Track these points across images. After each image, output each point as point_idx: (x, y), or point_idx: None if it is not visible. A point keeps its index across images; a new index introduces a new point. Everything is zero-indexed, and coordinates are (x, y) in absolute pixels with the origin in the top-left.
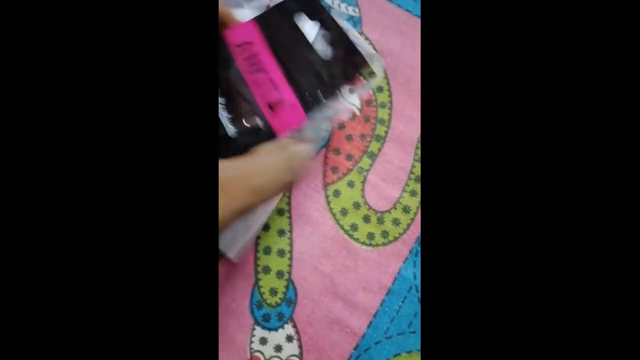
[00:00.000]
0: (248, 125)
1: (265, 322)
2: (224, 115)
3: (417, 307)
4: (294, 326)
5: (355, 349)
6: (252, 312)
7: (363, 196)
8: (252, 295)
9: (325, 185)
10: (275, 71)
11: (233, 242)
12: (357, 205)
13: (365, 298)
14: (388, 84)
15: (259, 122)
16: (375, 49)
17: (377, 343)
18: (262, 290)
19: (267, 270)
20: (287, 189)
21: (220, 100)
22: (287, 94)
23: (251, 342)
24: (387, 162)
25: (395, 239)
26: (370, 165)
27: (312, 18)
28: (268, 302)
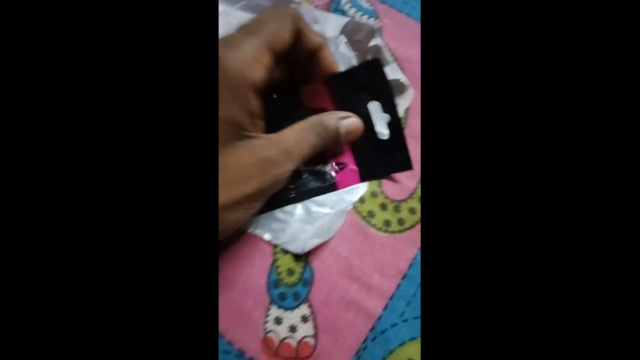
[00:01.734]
0: (317, 169)
1: (281, 300)
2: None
3: None
4: (310, 306)
5: (371, 330)
6: (268, 290)
7: (380, 186)
8: (270, 274)
9: None
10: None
11: (297, 238)
12: (374, 195)
13: (381, 281)
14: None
15: (327, 172)
16: (396, 59)
17: (393, 325)
18: (280, 270)
19: (285, 250)
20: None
21: None
22: (350, 161)
23: (265, 321)
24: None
25: (412, 226)
26: None
27: (377, 98)
28: (285, 281)
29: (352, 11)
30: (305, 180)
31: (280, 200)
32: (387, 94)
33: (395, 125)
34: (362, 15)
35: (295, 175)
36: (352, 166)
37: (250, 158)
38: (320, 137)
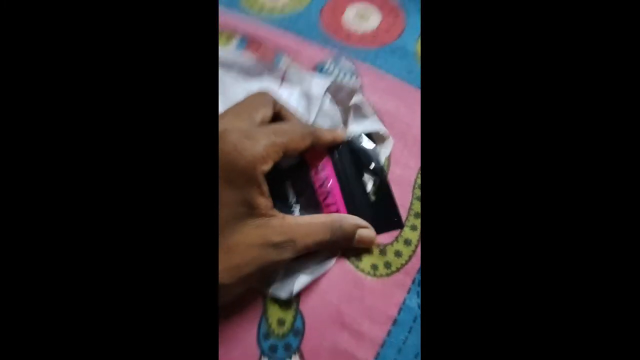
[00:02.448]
0: None
1: (272, 352)
2: (296, 208)
3: None
4: (301, 357)
5: None
6: (259, 342)
7: None
8: (260, 325)
9: None
10: (340, 202)
11: (284, 283)
12: None
13: (371, 328)
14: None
15: None
16: (376, 112)
17: None
18: (270, 320)
19: (275, 300)
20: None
21: (295, 199)
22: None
23: None
24: None
25: (398, 269)
26: None
27: (369, 165)
28: (276, 332)
29: (335, 72)
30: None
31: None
32: (375, 160)
33: (383, 188)
34: (344, 74)
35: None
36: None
37: (258, 239)
38: (333, 236)
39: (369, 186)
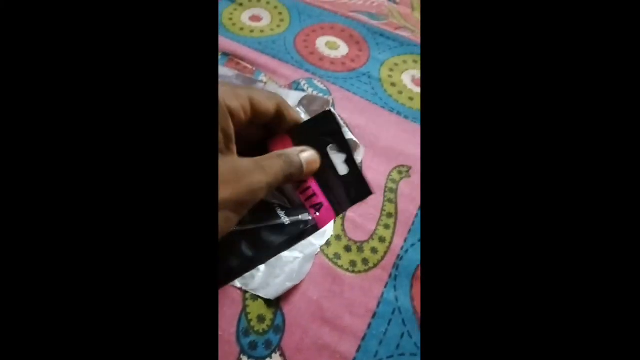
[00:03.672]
0: (300, 217)
1: (252, 350)
2: (280, 211)
3: (403, 329)
4: (282, 355)
5: None
6: (238, 339)
7: (343, 230)
8: (239, 321)
9: None
10: (314, 185)
11: (267, 284)
12: (338, 238)
13: (352, 321)
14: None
15: (308, 217)
16: (347, 125)
17: None
18: (250, 317)
19: (255, 297)
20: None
21: (276, 200)
22: (324, 201)
23: None
24: (363, 203)
25: (375, 265)
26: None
27: (333, 141)
28: (255, 329)
29: (309, 90)
30: (289, 229)
31: (272, 249)
32: (340, 136)
33: (351, 161)
34: (317, 93)
35: (280, 226)
36: (327, 205)
37: (223, 167)
38: (287, 165)
39: (337, 163)
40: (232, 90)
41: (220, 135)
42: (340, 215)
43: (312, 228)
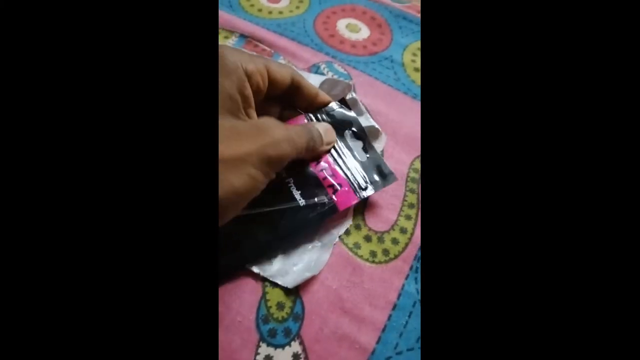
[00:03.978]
0: (316, 200)
1: (271, 337)
2: (296, 192)
3: None
4: (301, 343)
5: None
6: (257, 326)
7: (363, 219)
8: (259, 309)
9: None
10: (333, 167)
11: (285, 272)
12: (358, 227)
13: (372, 313)
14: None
15: (326, 199)
16: (368, 111)
17: (387, 359)
18: (269, 304)
19: (274, 283)
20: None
21: (290, 180)
22: (342, 182)
23: None
24: (383, 192)
25: (396, 256)
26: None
27: (348, 128)
28: (275, 316)
29: (329, 74)
30: (305, 211)
31: (288, 234)
32: (355, 124)
33: (370, 148)
34: (337, 77)
35: (296, 209)
36: (345, 187)
37: (243, 125)
38: (306, 131)
39: (355, 150)
40: (248, 56)
41: (239, 98)
42: (360, 204)
43: (331, 209)
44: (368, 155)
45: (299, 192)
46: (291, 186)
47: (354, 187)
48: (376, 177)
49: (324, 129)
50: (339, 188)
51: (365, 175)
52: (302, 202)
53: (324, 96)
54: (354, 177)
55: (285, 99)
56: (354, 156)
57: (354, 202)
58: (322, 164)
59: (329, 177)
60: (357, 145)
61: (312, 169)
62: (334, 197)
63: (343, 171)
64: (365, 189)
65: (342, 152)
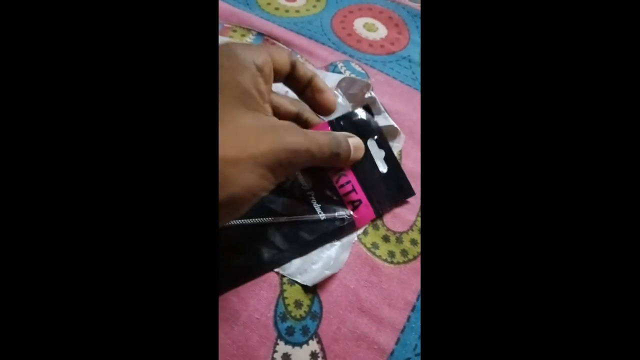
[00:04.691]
0: (336, 215)
1: (289, 335)
2: (317, 205)
3: None
4: (319, 342)
5: None
6: (275, 324)
7: (381, 219)
8: (277, 306)
9: None
10: (354, 181)
11: (304, 270)
12: (376, 227)
13: (391, 313)
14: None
15: (345, 214)
16: (386, 110)
17: None
18: (287, 302)
19: (292, 281)
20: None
21: (312, 193)
22: (363, 198)
23: (273, 359)
24: None
25: (415, 258)
26: None
27: (372, 136)
28: (293, 314)
29: (347, 73)
30: (325, 225)
31: (306, 246)
32: (379, 133)
33: (391, 159)
34: (355, 76)
35: (316, 222)
36: (366, 202)
37: (260, 122)
38: (334, 142)
39: (377, 160)
40: (255, 49)
41: (256, 94)
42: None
43: (350, 226)
44: (389, 167)
45: (319, 205)
46: (312, 199)
47: (374, 203)
48: (395, 191)
49: (355, 145)
50: (359, 204)
51: (385, 190)
52: (322, 215)
53: (320, 83)
54: (375, 193)
55: (288, 83)
56: (376, 169)
57: (372, 218)
58: (345, 177)
59: (350, 193)
60: (380, 154)
61: (334, 182)
62: (353, 213)
63: (365, 187)
64: (384, 204)
65: (366, 167)
